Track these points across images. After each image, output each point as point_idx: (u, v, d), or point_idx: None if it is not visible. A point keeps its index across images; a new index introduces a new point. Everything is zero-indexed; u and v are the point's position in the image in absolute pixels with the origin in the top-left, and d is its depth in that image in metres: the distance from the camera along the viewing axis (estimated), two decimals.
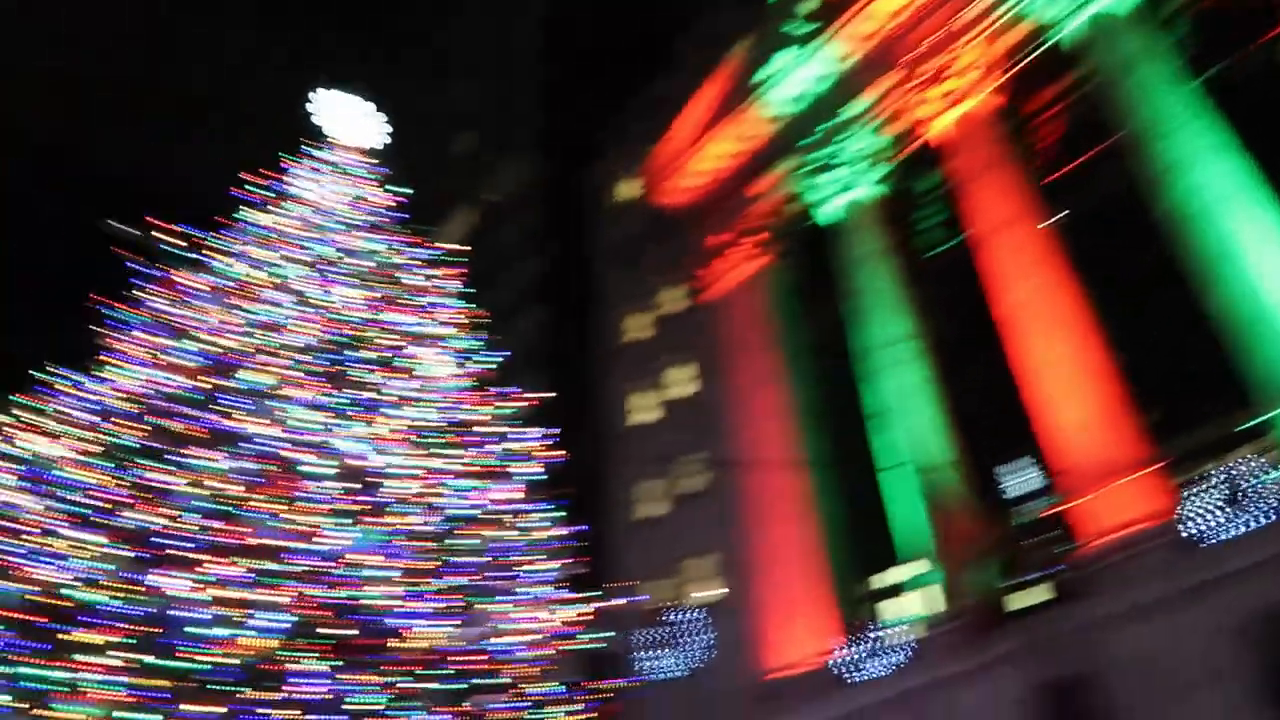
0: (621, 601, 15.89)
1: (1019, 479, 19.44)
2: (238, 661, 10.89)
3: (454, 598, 13.26)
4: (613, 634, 14.85)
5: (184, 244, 15.61)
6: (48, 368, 13.79)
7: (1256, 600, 14.25)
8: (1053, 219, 20.00)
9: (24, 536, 12.08)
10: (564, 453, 16.71)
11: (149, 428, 13.10)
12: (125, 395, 13.61)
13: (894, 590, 24.13)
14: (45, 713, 10.51)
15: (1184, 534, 15.27)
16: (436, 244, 19.82)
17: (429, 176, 60.21)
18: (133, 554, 11.87)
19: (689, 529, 31.01)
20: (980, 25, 22.07)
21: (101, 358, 14.36)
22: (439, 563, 13.49)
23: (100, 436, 13.04)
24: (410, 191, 19.55)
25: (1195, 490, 15.35)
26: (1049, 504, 17.94)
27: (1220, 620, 14.52)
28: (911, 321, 23.26)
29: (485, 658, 12.97)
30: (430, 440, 14.88)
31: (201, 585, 11.33)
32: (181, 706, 10.38)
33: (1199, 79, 18.16)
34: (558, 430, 17.18)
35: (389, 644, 11.94)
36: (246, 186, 17.06)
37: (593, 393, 38.42)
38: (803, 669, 23.09)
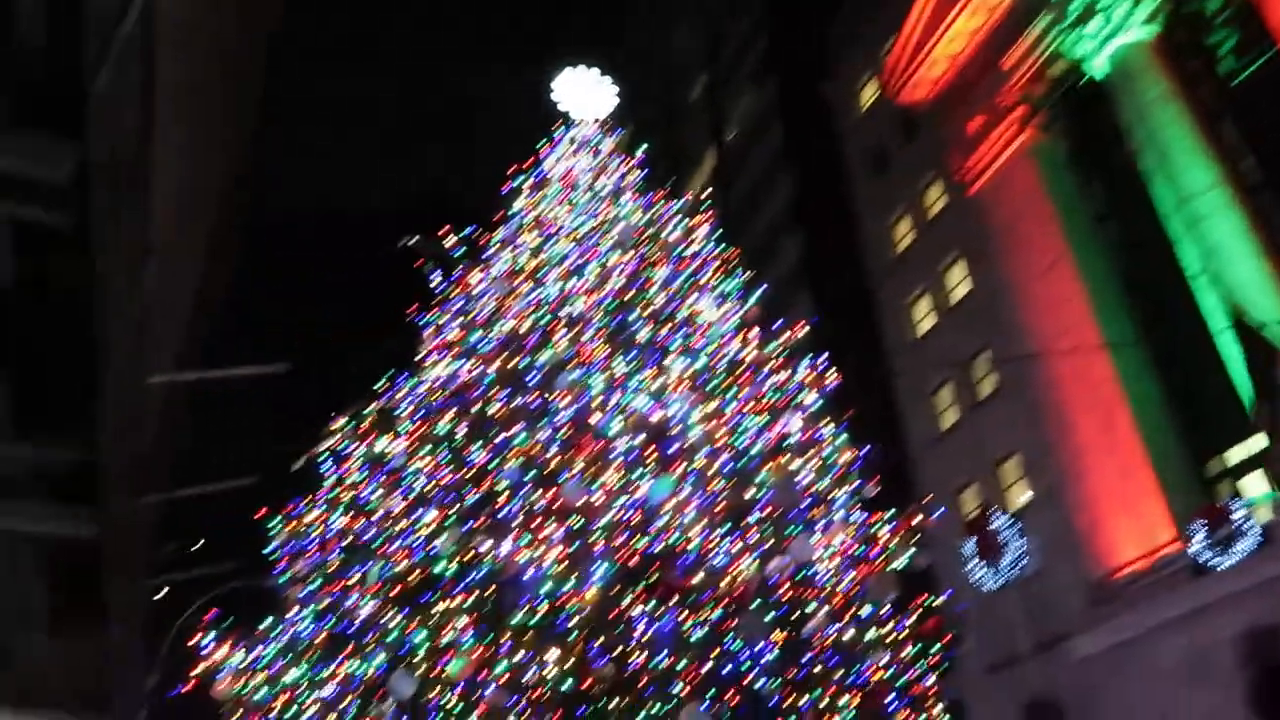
0: (931, 517, 15.66)
1: None
2: (578, 612, 11.85)
3: (765, 531, 13.67)
4: (925, 549, 14.71)
5: (470, 245, 17.56)
6: (384, 377, 15.99)
7: None
8: None
9: (383, 523, 13.93)
10: (845, 375, 16.65)
11: (470, 414, 14.52)
12: (445, 389, 15.19)
13: (1247, 466, 22.18)
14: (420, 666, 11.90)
15: None
16: (687, 193, 20.26)
17: (669, 127, 61.01)
18: (472, 526, 13.19)
19: (991, 433, 29.90)
20: None
21: (420, 361, 16.47)
22: (745, 500, 13.94)
23: (429, 430, 14.68)
24: (649, 146, 20.30)
25: None
26: None
27: None
28: (1221, 165, 21.13)
29: (803, 585, 13.31)
30: (715, 384, 15.36)
31: (532, 546, 12.38)
32: (537, 657, 11.45)
33: None
34: (838, 354, 17.12)
35: (711, 581, 12.53)
36: (511, 183, 18.85)
37: (869, 309, 37.71)
38: (1141, 564, 21.80)
